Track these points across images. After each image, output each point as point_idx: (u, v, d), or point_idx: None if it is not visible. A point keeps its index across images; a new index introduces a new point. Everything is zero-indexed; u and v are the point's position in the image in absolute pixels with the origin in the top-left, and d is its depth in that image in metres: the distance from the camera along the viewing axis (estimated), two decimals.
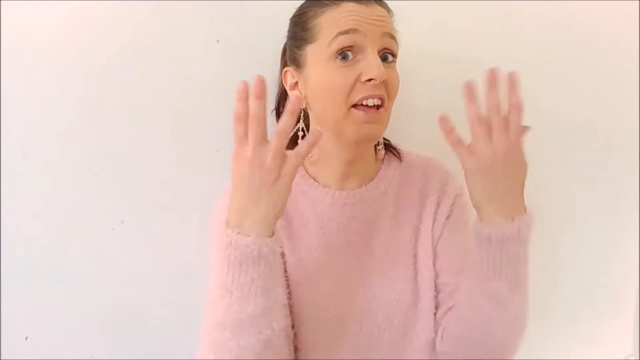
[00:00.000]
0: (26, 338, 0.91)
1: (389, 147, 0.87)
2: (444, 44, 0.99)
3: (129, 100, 0.90)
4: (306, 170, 0.83)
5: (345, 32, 0.72)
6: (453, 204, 0.83)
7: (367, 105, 0.72)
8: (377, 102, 0.72)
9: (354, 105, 0.72)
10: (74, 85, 0.88)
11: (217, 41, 0.91)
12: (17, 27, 0.85)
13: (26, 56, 0.86)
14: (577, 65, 1.05)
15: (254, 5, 0.91)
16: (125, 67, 0.89)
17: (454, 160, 0.86)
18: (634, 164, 1.10)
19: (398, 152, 0.86)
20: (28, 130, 0.87)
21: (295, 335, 0.76)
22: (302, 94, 0.78)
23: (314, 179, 0.82)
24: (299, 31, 0.78)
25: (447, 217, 0.82)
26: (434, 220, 0.82)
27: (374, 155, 0.84)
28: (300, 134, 0.81)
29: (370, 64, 0.71)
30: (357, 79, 0.72)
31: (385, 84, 0.73)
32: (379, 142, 0.84)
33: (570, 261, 1.10)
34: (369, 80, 0.71)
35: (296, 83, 0.79)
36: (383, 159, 0.85)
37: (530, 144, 1.05)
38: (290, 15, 0.80)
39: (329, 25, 0.74)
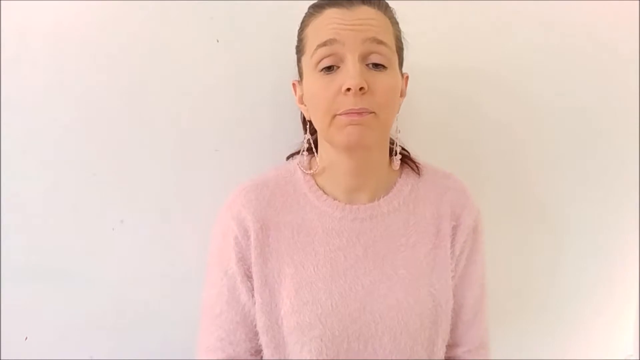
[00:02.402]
0: (26, 338, 0.91)
1: (407, 159, 0.83)
2: (445, 47, 0.99)
3: (129, 100, 0.90)
4: (315, 181, 0.81)
5: (324, 43, 0.71)
6: (465, 240, 0.82)
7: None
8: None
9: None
10: (73, 85, 0.88)
11: (217, 41, 0.91)
12: (17, 27, 0.85)
13: (26, 56, 0.86)
14: (577, 66, 1.05)
15: (254, 5, 0.91)
16: (125, 67, 0.89)
17: (465, 167, 0.87)
18: (634, 163, 1.10)
19: (417, 167, 0.83)
20: (28, 130, 0.87)
21: (300, 354, 0.75)
22: (306, 107, 0.78)
23: (323, 191, 0.80)
24: (297, 42, 0.79)
25: (461, 252, 0.82)
26: (451, 251, 0.81)
27: (387, 166, 0.81)
28: (306, 145, 0.81)
29: (346, 73, 0.70)
30: (339, 90, 0.70)
31: (371, 93, 0.70)
32: (393, 151, 0.81)
33: (570, 261, 1.10)
34: (348, 90, 0.69)
35: (302, 95, 0.79)
36: (401, 173, 0.82)
37: (531, 145, 1.06)
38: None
39: (312, 36, 0.74)
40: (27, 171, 0.88)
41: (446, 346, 0.82)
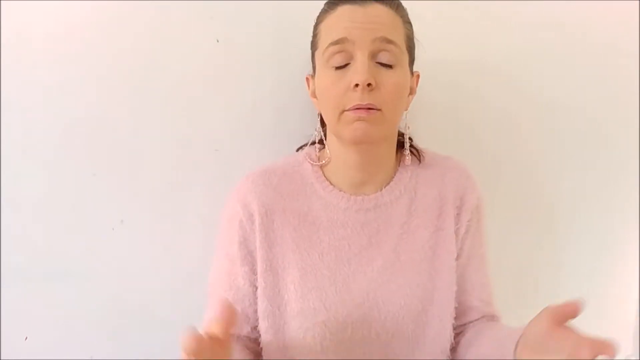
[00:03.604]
0: (26, 338, 0.91)
1: (410, 147, 0.84)
2: (448, 46, 0.99)
3: (129, 100, 0.90)
4: (322, 172, 0.82)
5: (335, 42, 0.72)
6: (470, 219, 0.82)
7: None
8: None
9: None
10: (73, 85, 0.87)
11: (217, 41, 0.91)
12: (17, 27, 0.85)
13: (26, 56, 0.86)
14: (577, 66, 1.05)
15: (254, 5, 0.91)
16: (125, 67, 0.89)
17: (467, 159, 0.88)
18: (634, 163, 1.10)
19: (419, 153, 0.84)
20: (28, 130, 0.87)
21: (303, 339, 0.75)
22: (317, 100, 0.79)
23: (329, 182, 0.81)
24: (312, 36, 0.79)
25: (466, 232, 0.82)
26: (455, 232, 0.81)
27: (393, 159, 0.82)
28: (318, 137, 0.83)
29: (355, 69, 0.71)
30: (348, 86, 0.71)
31: (378, 89, 0.71)
32: (403, 146, 0.82)
33: (570, 261, 1.10)
34: (356, 85, 0.70)
35: (315, 90, 0.79)
36: (399, 160, 0.83)
37: (530, 145, 1.06)
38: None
39: (325, 33, 0.75)
40: (27, 171, 0.88)
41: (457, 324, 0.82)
